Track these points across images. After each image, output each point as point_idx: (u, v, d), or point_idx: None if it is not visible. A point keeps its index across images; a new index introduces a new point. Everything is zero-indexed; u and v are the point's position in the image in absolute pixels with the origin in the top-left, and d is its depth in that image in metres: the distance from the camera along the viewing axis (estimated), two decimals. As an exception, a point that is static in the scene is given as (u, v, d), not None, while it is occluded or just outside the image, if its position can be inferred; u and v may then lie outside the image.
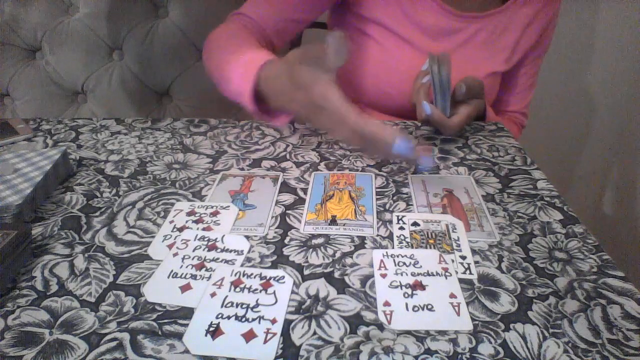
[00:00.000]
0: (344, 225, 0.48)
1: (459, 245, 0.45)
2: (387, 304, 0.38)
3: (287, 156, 0.62)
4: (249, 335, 0.35)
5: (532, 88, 0.89)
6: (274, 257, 0.44)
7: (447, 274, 0.41)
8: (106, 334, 0.36)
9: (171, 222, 0.49)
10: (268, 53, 0.60)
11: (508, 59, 0.81)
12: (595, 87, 1.41)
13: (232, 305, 0.38)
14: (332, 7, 0.84)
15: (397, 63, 0.78)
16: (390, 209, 0.51)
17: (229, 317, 0.37)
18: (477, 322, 0.37)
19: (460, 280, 0.41)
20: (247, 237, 0.46)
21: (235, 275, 0.41)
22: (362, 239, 0.46)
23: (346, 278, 0.41)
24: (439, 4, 0.76)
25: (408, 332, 0.36)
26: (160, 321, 0.37)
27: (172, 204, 0.52)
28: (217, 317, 0.37)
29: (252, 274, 0.41)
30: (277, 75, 0.55)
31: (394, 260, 0.43)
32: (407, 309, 0.38)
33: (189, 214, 0.50)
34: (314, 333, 0.36)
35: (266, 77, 0.56)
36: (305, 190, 0.55)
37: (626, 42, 1.32)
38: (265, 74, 0.56)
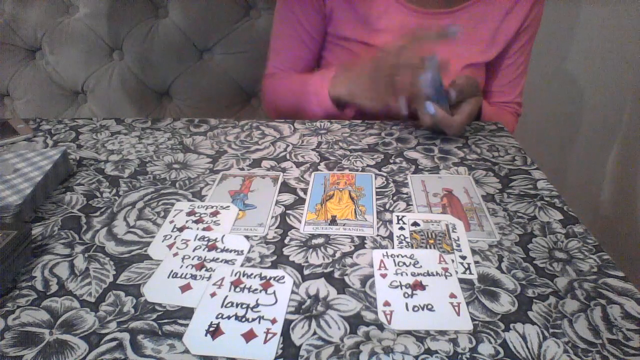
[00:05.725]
0: (344, 225, 0.48)
1: (459, 245, 0.45)
2: (387, 304, 0.38)
3: (287, 156, 0.62)
4: (249, 335, 0.35)
5: (522, 76, 0.88)
6: (274, 257, 0.44)
7: (447, 274, 0.41)
8: (106, 334, 0.36)
9: (171, 222, 0.49)
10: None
11: (485, 50, 0.81)
12: (586, 85, 1.40)
13: (232, 305, 0.38)
14: None
15: None
16: (390, 209, 0.51)
17: (229, 317, 0.37)
18: (477, 322, 0.37)
19: (460, 280, 0.41)
20: (247, 237, 0.46)
21: (235, 275, 0.41)
22: (362, 239, 0.46)
23: (346, 278, 0.41)
24: (403, 4, 0.77)
25: (408, 332, 0.36)
26: (160, 321, 0.37)
27: (172, 204, 0.52)
28: (217, 317, 0.37)
29: (252, 274, 0.41)
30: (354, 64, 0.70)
31: (394, 260, 0.43)
32: (407, 309, 0.38)
33: (189, 214, 0.50)
34: (314, 333, 0.36)
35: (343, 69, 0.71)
36: (305, 190, 0.55)
37: (611, 36, 1.31)
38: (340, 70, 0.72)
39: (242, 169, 0.59)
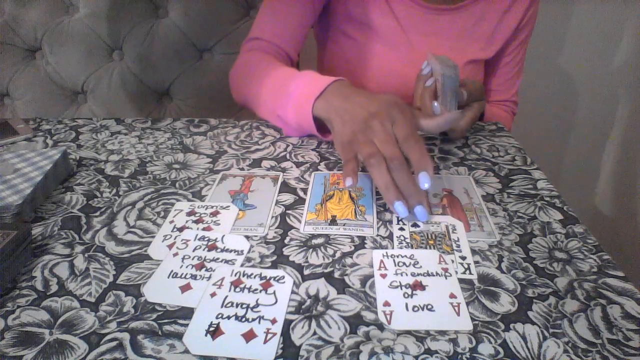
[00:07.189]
0: (344, 225, 0.48)
1: (458, 246, 0.45)
2: (387, 304, 0.38)
3: (287, 156, 0.62)
4: (249, 335, 0.35)
5: (518, 75, 0.89)
6: (274, 257, 0.44)
7: (447, 274, 0.41)
8: (106, 334, 0.36)
9: (171, 222, 0.49)
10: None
11: (484, 47, 0.82)
12: (583, 85, 1.40)
13: (232, 305, 0.38)
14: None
15: (373, 59, 0.81)
16: (390, 209, 0.51)
17: (229, 317, 0.37)
18: (477, 322, 0.37)
19: (460, 280, 0.41)
20: (247, 237, 0.46)
21: (235, 275, 0.41)
22: (362, 239, 0.46)
23: (346, 278, 0.41)
24: None
25: (408, 332, 0.36)
26: (160, 321, 0.37)
27: (172, 204, 0.52)
28: (217, 317, 0.37)
29: (252, 274, 0.41)
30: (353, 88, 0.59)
31: (394, 261, 0.43)
32: (407, 309, 0.38)
33: (189, 214, 0.50)
34: (314, 333, 0.36)
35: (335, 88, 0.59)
36: (305, 190, 0.55)
37: (607, 35, 1.31)
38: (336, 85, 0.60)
39: (242, 169, 0.59)
